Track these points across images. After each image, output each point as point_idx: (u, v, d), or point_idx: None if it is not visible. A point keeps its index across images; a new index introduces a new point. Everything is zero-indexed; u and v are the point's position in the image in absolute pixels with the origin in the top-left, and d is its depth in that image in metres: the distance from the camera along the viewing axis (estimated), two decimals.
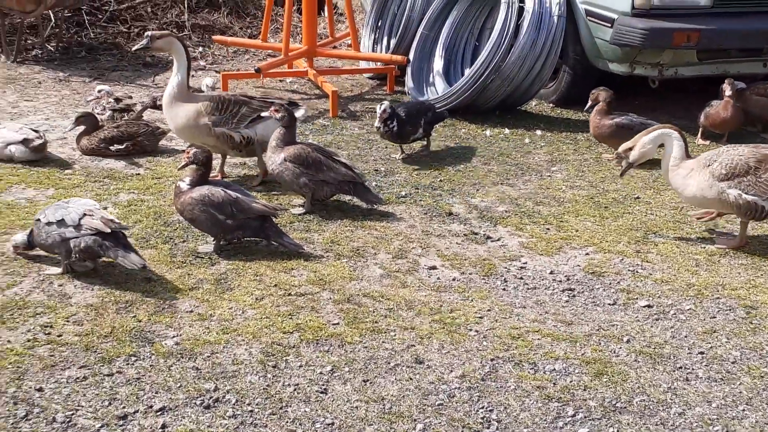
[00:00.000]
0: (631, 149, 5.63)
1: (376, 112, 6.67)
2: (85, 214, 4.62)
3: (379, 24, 9.16)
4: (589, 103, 7.10)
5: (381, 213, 5.85)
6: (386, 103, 6.63)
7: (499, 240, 5.56)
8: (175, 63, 5.88)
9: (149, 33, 5.90)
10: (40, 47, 9.20)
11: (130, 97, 7.47)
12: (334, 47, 9.34)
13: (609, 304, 4.83)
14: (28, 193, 5.83)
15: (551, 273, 5.15)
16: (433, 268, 5.16)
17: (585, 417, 3.86)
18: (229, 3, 10.69)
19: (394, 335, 4.42)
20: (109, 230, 4.58)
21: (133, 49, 6.14)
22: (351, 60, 9.24)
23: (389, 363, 4.19)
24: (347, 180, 5.76)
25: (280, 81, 8.79)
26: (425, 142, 7.06)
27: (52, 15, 9.42)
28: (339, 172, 5.72)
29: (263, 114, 5.96)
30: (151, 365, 4.05)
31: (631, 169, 5.74)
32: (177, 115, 5.91)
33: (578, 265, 5.25)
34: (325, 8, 9.30)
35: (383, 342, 4.36)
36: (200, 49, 9.70)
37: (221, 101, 5.94)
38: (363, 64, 9.05)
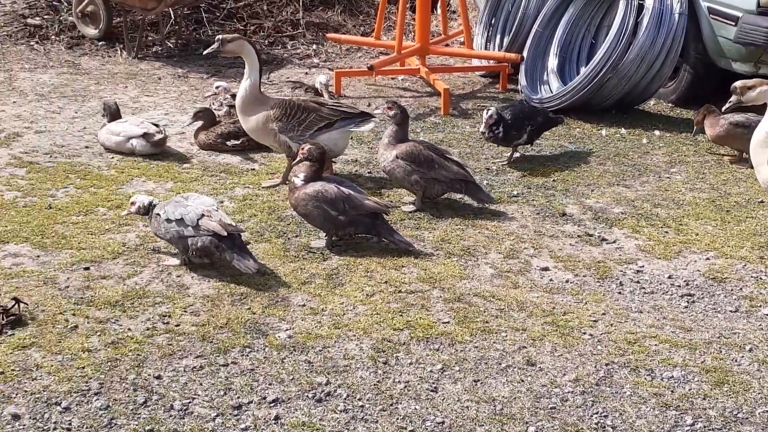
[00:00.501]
0: (749, 89, 5.36)
1: (482, 117, 6.56)
2: (203, 215, 4.72)
3: (493, 22, 9.06)
4: (696, 128, 6.98)
5: (492, 212, 5.79)
6: (492, 109, 6.51)
7: (614, 242, 5.44)
8: (246, 66, 5.89)
9: (220, 36, 5.93)
10: (160, 44, 9.46)
11: None
12: (447, 45, 9.30)
13: (730, 311, 4.66)
14: (148, 186, 5.99)
15: (669, 277, 5.00)
16: (546, 269, 5.07)
17: (704, 427, 3.73)
18: (343, 1, 10.77)
19: (506, 336, 4.37)
20: (225, 233, 4.66)
21: (205, 53, 6.17)
22: (463, 58, 9.19)
23: (500, 364, 4.14)
24: (459, 178, 5.72)
25: (392, 78, 8.81)
26: (529, 146, 6.90)
27: (171, 12, 9.68)
28: (450, 170, 5.69)
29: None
30: (264, 357, 4.10)
31: (737, 106, 5.48)
32: (248, 118, 5.95)
33: (698, 270, 5.09)
34: (439, 6, 9.27)
35: (494, 342, 4.31)
36: (314, 46, 9.81)
37: (290, 107, 5.88)
38: (476, 62, 8.99)
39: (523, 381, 4.03)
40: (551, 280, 4.97)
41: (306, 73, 8.90)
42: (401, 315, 4.51)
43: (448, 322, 4.47)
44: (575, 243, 5.42)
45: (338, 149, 6.08)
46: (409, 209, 5.75)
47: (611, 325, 4.50)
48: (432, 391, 3.93)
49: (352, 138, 7.05)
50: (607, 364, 4.16)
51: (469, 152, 6.91)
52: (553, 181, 6.37)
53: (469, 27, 8.78)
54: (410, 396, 3.89)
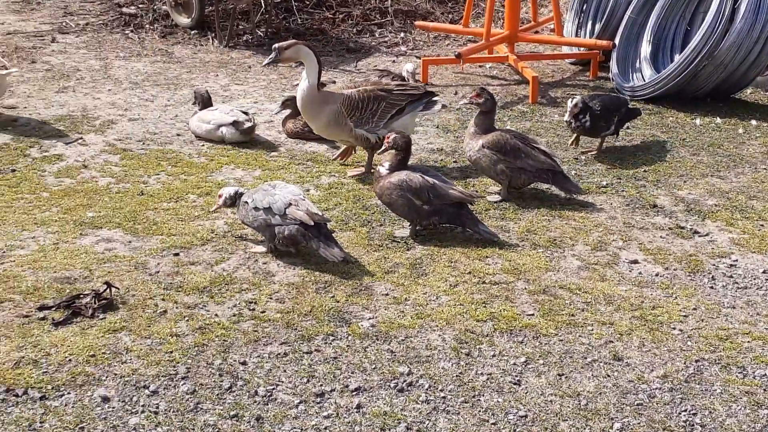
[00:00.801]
0: None
1: (567, 106, 6.44)
2: (290, 204, 4.76)
3: (584, 8, 8.90)
4: None
5: (580, 203, 5.69)
6: (578, 98, 6.39)
7: (707, 235, 5.28)
8: (305, 68, 5.85)
9: (276, 45, 5.90)
10: (251, 32, 9.57)
11: (334, 82, 7.64)
12: (537, 32, 9.17)
13: None
14: (237, 174, 6.07)
15: (764, 272, 4.84)
16: (635, 262, 4.97)
17: None
18: None
19: (592, 330, 4.29)
20: (312, 223, 4.70)
21: (263, 64, 6.15)
22: (553, 45, 9.04)
23: (586, 358, 4.07)
24: (546, 168, 5.64)
25: (480, 66, 8.73)
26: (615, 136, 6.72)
27: (263, 1, 9.78)
28: (537, 160, 5.61)
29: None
30: (347, 345, 4.12)
31: None
32: (317, 117, 5.94)
33: None
34: None
35: (579, 336, 4.24)
36: (402, 34, 9.79)
37: (360, 100, 5.87)
38: (566, 49, 8.84)
39: (609, 376, 3.95)
40: (640, 273, 4.86)
41: (393, 62, 8.89)
42: (485, 306, 4.47)
43: (533, 315, 4.42)
44: (666, 235, 5.29)
45: (408, 133, 6.08)
46: (494, 199, 5.70)
47: (702, 320, 4.38)
48: (515, 384, 3.89)
49: (437, 127, 7.04)
50: (696, 361, 4.05)
51: (558, 141, 6.80)
52: (644, 171, 6.23)
53: (560, 13, 8.63)
54: (493, 388, 3.85)
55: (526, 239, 5.19)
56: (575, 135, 6.58)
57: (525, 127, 7.07)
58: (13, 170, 5.91)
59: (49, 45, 8.95)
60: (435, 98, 6.13)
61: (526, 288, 4.67)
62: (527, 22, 9.30)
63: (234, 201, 5.02)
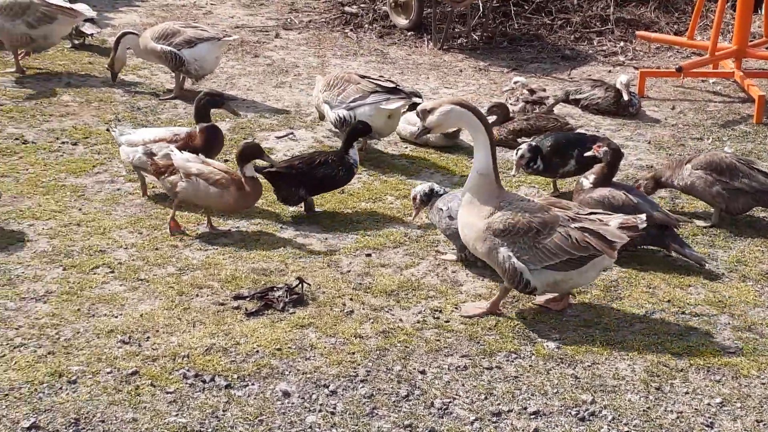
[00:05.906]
0: (429, 111, 4.38)
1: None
2: None
3: None
4: None
5: None
6: (524, 147, 5.68)
7: None
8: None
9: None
10: (466, 36, 9.55)
11: (544, 90, 7.48)
12: None
13: None
14: (436, 178, 6.03)
15: None
16: None
17: None
18: None
19: None
20: None
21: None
22: None
23: None
24: (766, 190, 5.24)
25: (702, 81, 8.27)
26: None
27: (481, 5, 9.73)
28: (757, 180, 5.24)
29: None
30: (530, 365, 4.00)
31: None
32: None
33: None
34: (763, 5, 8.55)
35: None
36: (621, 44, 9.45)
37: (336, 78, 6.30)
38: None
39: None
40: None
41: (609, 71, 8.59)
42: (681, 339, 4.22)
43: (734, 353, 4.12)
44: None
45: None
46: (703, 224, 5.37)
47: None
48: (707, 426, 3.64)
49: (649, 142, 6.74)
50: None
51: None
52: None
53: None
54: (682, 428, 3.62)
55: (735, 270, 4.86)
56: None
57: (746, 149, 6.64)
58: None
59: (273, 40, 9.31)
60: (404, 96, 6.12)
61: (729, 323, 4.36)
62: (759, 36, 8.72)
63: (429, 197, 4.96)
